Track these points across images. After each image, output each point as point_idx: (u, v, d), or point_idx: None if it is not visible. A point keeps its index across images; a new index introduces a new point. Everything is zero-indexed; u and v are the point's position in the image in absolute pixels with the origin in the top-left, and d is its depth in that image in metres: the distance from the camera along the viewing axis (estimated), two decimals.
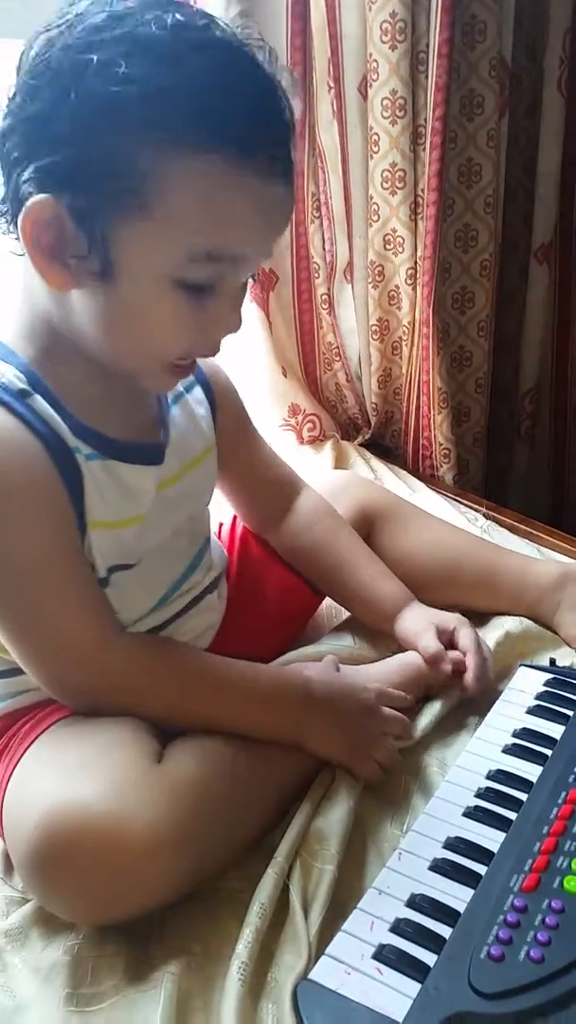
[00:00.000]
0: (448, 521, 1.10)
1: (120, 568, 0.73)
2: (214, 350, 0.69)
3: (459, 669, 0.84)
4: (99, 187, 0.59)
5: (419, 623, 0.87)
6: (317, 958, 0.58)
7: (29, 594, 0.67)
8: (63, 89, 0.57)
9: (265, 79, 0.61)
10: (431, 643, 0.84)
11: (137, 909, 0.62)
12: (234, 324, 0.67)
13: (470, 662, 0.83)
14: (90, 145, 0.58)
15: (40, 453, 0.66)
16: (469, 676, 0.83)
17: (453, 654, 0.84)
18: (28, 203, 0.59)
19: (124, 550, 0.73)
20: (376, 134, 1.32)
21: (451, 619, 0.88)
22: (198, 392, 0.82)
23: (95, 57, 0.56)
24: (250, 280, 0.69)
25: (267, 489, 0.94)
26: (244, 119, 0.59)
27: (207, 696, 0.72)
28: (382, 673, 0.83)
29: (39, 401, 0.66)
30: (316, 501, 0.96)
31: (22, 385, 0.66)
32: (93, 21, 0.57)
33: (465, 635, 0.86)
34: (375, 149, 1.33)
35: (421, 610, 0.89)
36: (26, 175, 0.59)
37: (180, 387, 0.80)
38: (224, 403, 0.85)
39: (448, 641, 0.86)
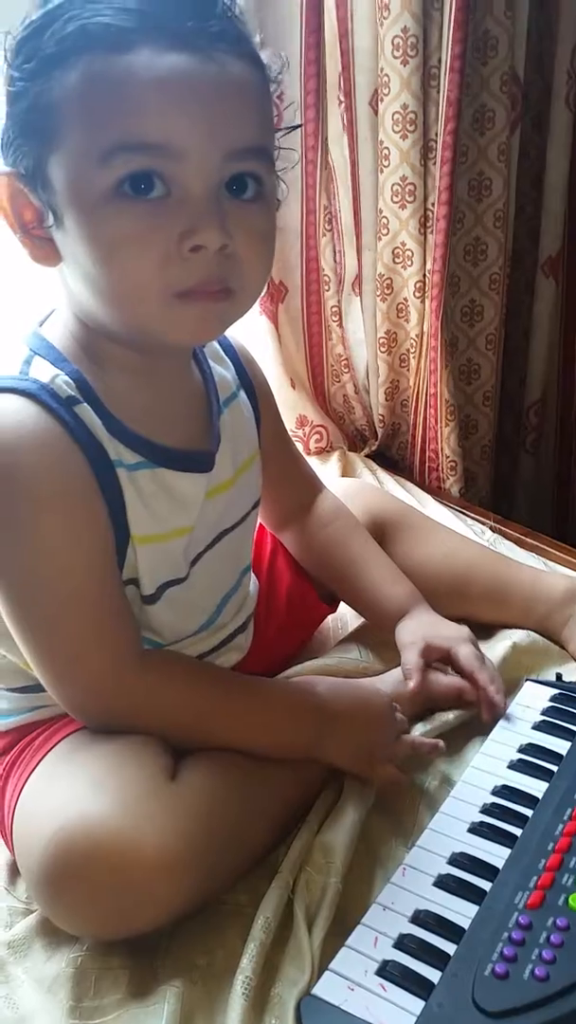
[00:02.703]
0: (457, 532, 1.10)
1: (172, 584, 0.73)
2: (205, 271, 0.60)
3: (451, 692, 0.82)
4: (27, 141, 0.60)
5: (411, 635, 0.85)
6: (321, 973, 0.58)
7: (52, 612, 0.66)
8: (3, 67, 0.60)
9: None
10: (410, 660, 0.83)
11: (147, 926, 0.62)
12: (207, 234, 0.59)
13: (481, 691, 0.81)
14: (16, 102, 0.60)
15: (81, 463, 0.64)
16: (484, 711, 0.81)
17: (446, 679, 0.83)
18: None
19: (174, 563, 0.73)
20: (386, 148, 1.32)
21: (450, 638, 0.84)
22: (243, 396, 0.81)
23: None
24: (247, 194, 0.61)
25: (290, 488, 0.94)
26: (119, 8, 0.57)
27: (223, 721, 0.72)
28: (388, 683, 0.83)
29: (86, 410, 0.65)
30: (333, 502, 0.96)
31: (71, 392, 0.65)
32: None
33: (465, 655, 0.82)
34: (385, 163, 1.33)
35: (421, 619, 0.87)
36: None
37: (232, 388, 0.79)
38: (266, 408, 0.85)
39: (444, 658, 0.84)
